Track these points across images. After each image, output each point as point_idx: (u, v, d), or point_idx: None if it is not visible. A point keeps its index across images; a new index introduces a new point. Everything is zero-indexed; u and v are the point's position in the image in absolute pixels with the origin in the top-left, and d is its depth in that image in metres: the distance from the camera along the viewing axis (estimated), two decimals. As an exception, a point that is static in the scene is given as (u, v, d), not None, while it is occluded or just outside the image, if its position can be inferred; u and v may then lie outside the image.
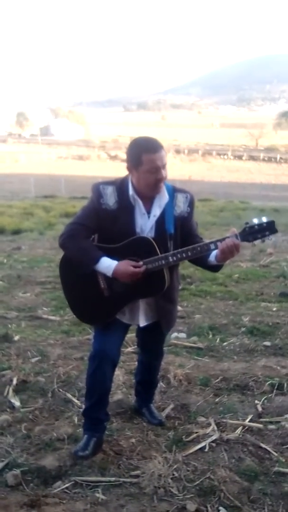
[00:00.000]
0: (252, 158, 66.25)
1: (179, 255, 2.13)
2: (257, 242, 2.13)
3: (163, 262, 2.13)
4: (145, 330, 2.45)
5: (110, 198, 2.19)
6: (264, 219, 2.10)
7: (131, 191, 2.18)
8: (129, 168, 2.18)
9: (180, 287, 2.50)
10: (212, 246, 2.12)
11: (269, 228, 2.10)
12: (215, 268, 2.27)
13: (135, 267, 2.13)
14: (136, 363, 3.25)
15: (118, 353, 2.39)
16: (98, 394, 2.36)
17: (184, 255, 2.13)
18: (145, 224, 2.21)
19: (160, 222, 2.21)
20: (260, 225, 2.09)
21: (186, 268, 6.27)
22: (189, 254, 2.13)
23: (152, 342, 2.57)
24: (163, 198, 2.21)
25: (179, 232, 2.23)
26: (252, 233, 2.10)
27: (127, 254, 2.16)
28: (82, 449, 2.34)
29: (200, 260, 2.24)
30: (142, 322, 2.36)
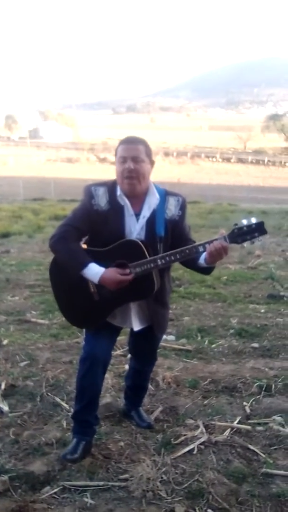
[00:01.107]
0: (241, 160, 66.68)
1: (167, 258, 2.12)
2: (246, 243, 2.10)
3: (152, 265, 2.12)
4: (137, 335, 2.43)
5: (102, 199, 2.19)
6: (254, 220, 2.07)
7: (119, 192, 2.19)
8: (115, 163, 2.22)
9: (171, 289, 2.48)
10: (201, 249, 2.11)
11: (258, 229, 2.07)
12: (206, 270, 2.26)
13: (122, 274, 2.11)
14: (126, 366, 3.26)
15: (109, 356, 2.38)
16: (88, 397, 2.34)
17: (172, 258, 2.12)
18: (134, 225, 2.20)
19: (151, 224, 2.20)
20: (249, 226, 2.07)
21: (175, 271, 6.29)
22: (178, 256, 2.12)
23: (145, 348, 2.54)
24: (153, 199, 2.21)
25: (170, 235, 2.22)
26: (240, 235, 2.08)
27: (116, 257, 2.14)
28: (71, 453, 2.32)
29: (191, 263, 2.23)
30: (136, 326, 2.33)
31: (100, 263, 2.15)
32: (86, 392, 2.33)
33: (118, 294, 2.18)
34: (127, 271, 2.12)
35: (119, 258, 2.14)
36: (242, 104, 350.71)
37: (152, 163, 2.23)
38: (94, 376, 2.30)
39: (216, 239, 2.08)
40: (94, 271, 2.13)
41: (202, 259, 2.18)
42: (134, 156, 2.12)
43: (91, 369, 2.28)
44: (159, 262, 2.12)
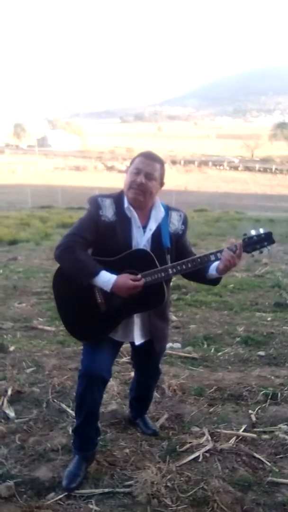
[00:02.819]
0: (248, 169, 66.71)
1: (179, 267, 2.13)
2: (255, 253, 2.17)
3: (163, 274, 2.12)
4: (139, 350, 2.40)
5: (109, 210, 2.19)
6: (262, 230, 2.14)
7: (126, 204, 2.20)
8: (126, 171, 2.25)
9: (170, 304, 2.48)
10: (213, 257, 2.14)
11: (267, 239, 2.15)
12: (214, 281, 2.27)
13: (134, 280, 2.10)
14: (131, 373, 3.26)
15: (108, 372, 2.29)
16: (86, 413, 2.28)
17: (184, 266, 2.13)
18: (141, 237, 2.21)
19: (157, 237, 2.21)
20: (258, 236, 2.14)
21: (182, 278, 6.29)
22: (189, 265, 2.13)
23: (148, 363, 2.53)
24: (159, 213, 2.24)
25: (174, 248, 2.25)
26: (250, 244, 2.14)
27: (124, 267, 2.13)
28: (74, 478, 2.24)
29: (199, 274, 2.24)
30: (138, 340, 2.31)
31: (111, 273, 2.12)
32: (84, 408, 2.27)
33: (126, 304, 2.16)
34: (139, 276, 2.11)
35: (128, 267, 2.13)
36: (250, 113, 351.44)
37: (162, 184, 2.25)
38: (92, 393, 2.24)
39: (227, 248, 2.13)
40: (106, 278, 2.09)
41: (212, 270, 2.20)
42: (148, 172, 2.15)
43: (90, 386, 2.22)
44: (171, 271, 2.13)
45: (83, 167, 63.79)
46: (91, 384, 2.21)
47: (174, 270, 2.13)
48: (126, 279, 2.09)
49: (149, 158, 2.18)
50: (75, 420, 2.59)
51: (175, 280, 2.68)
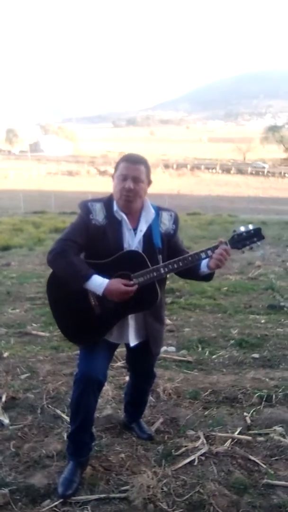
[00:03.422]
0: (240, 172, 67.04)
1: (170, 266, 2.14)
2: (246, 249, 2.20)
3: (155, 274, 2.14)
4: (134, 352, 2.41)
5: (99, 214, 2.21)
6: (251, 226, 2.18)
7: (115, 207, 2.22)
8: (113, 177, 2.26)
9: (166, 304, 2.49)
10: (203, 255, 2.16)
11: (257, 235, 2.18)
12: (207, 277, 2.30)
13: (126, 285, 2.10)
14: (126, 378, 3.26)
15: (104, 376, 2.30)
16: (82, 417, 2.28)
17: (175, 265, 2.15)
18: (132, 239, 2.22)
19: (148, 237, 2.23)
20: (247, 232, 2.17)
21: (176, 282, 6.31)
22: (181, 264, 2.15)
23: (143, 365, 2.54)
24: (149, 214, 2.25)
25: (166, 248, 2.26)
26: (240, 240, 2.17)
27: (117, 268, 2.14)
28: (70, 484, 2.23)
29: (191, 271, 2.25)
30: (133, 341, 2.31)
31: (100, 276, 2.13)
32: (80, 413, 2.27)
33: (121, 306, 2.17)
34: (131, 282, 2.12)
35: (120, 269, 2.14)
36: (241, 116, 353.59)
37: (149, 182, 2.27)
38: (88, 397, 2.24)
39: (218, 245, 2.15)
40: (98, 282, 2.10)
41: (204, 267, 2.22)
42: (135, 176, 2.16)
43: (85, 390, 2.22)
44: (163, 271, 2.14)
45: (75, 172, 63.74)
46: (87, 389, 2.22)
47: (166, 270, 2.15)
48: (118, 283, 2.09)
49: (133, 161, 2.19)
50: (70, 426, 2.59)
51: (169, 284, 2.69)
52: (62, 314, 2.30)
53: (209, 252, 2.15)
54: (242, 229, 2.17)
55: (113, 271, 2.14)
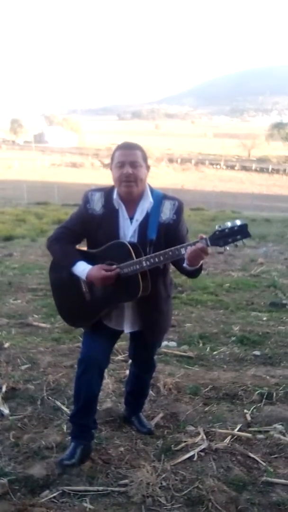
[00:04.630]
0: (244, 168, 66.77)
1: (151, 260, 2.13)
2: (229, 246, 2.02)
3: (138, 266, 2.14)
4: (135, 339, 2.50)
5: (97, 204, 2.27)
6: (238, 222, 2.00)
7: (115, 196, 2.25)
8: (110, 169, 2.27)
9: (169, 297, 2.46)
10: (183, 251, 2.09)
11: (241, 232, 1.99)
12: (192, 273, 2.21)
13: (107, 271, 2.18)
14: (126, 371, 3.26)
15: (105, 359, 2.40)
16: (84, 398, 2.35)
17: (156, 259, 2.12)
18: (128, 228, 2.25)
19: (143, 227, 2.23)
20: (231, 228, 1.99)
21: (178, 277, 6.28)
22: (161, 258, 2.12)
23: (142, 353, 2.57)
24: (146, 202, 2.25)
25: (163, 239, 2.22)
26: (222, 237, 2.01)
27: (106, 258, 2.23)
28: (68, 458, 2.33)
29: (178, 266, 2.24)
30: (127, 329, 2.38)
31: (92, 264, 2.24)
32: (81, 393, 2.35)
33: (107, 294, 2.26)
34: (113, 267, 2.18)
35: (108, 259, 2.22)
36: (247, 112, 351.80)
37: (148, 167, 2.27)
38: (89, 378, 2.32)
39: (197, 241, 2.05)
40: (81, 268, 2.24)
41: (184, 262, 2.16)
42: (132, 161, 2.18)
43: (87, 371, 2.32)
44: (144, 264, 2.14)
45: (79, 163, 63.62)
46: (88, 369, 2.31)
47: (148, 263, 2.13)
48: (98, 269, 2.19)
49: (128, 148, 2.22)
50: (70, 414, 2.58)
51: (171, 277, 2.66)
52: (60, 297, 2.48)
53: (188, 248, 2.06)
54: (228, 224, 2.00)
55: (102, 260, 2.23)
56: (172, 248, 2.12)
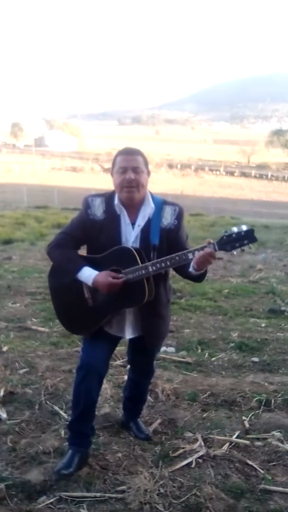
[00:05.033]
0: (244, 174, 66.95)
1: (158, 265, 2.13)
2: (236, 251, 2.06)
3: (143, 272, 2.14)
4: (134, 345, 2.47)
5: (98, 209, 2.26)
6: (244, 228, 2.05)
7: (116, 201, 2.24)
8: (111, 174, 2.26)
9: (169, 302, 2.47)
10: (190, 256, 2.11)
11: (248, 237, 2.03)
12: (197, 278, 2.24)
13: (114, 278, 2.16)
14: (125, 377, 3.25)
15: (105, 366, 2.39)
16: (83, 406, 2.33)
17: (163, 264, 2.13)
18: (130, 234, 2.24)
19: (145, 233, 2.23)
20: (238, 233, 2.04)
21: (177, 282, 6.29)
22: (168, 263, 2.13)
23: (141, 359, 2.55)
24: (148, 208, 2.25)
25: (165, 244, 2.24)
26: (229, 242, 2.05)
27: (110, 264, 2.20)
28: (66, 467, 2.30)
29: (182, 271, 2.24)
30: (128, 334, 2.37)
31: (95, 269, 2.21)
32: (81, 401, 2.33)
33: (110, 300, 2.22)
34: (120, 275, 2.17)
35: (113, 264, 2.20)
36: (247, 119, 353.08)
37: (148, 173, 2.28)
38: (88, 385, 2.31)
39: (205, 246, 2.07)
40: (88, 273, 2.20)
41: (191, 267, 2.18)
42: (134, 166, 2.17)
43: (86, 378, 2.30)
44: (150, 269, 2.14)
45: (79, 168, 63.75)
46: (87, 376, 2.29)
47: (154, 268, 2.13)
48: (106, 276, 2.16)
49: (130, 153, 2.21)
50: (69, 419, 2.58)
51: (170, 284, 2.65)
52: (60, 303, 2.43)
53: (196, 253, 2.09)
54: (235, 230, 2.05)
55: (106, 266, 2.21)
56: (179, 253, 2.13)
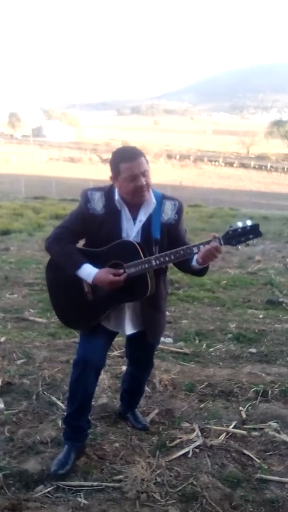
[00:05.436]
0: (243, 165, 66.75)
1: (162, 259, 2.12)
2: (241, 245, 2.09)
3: (146, 266, 2.12)
4: (133, 340, 2.44)
5: (98, 203, 2.21)
6: (249, 222, 2.08)
7: (117, 196, 2.20)
8: (111, 178, 2.20)
9: (167, 295, 2.47)
10: (195, 250, 2.11)
11: (253, 231, 2.07)
12: (199, 272, 2.25)
13: (115, 275, 2.12)
14: (123, 367, 3.26)
15: (102, 361, 2.36)
16: (80, 401, 2.31)
17: (167, 258, 2.12)
18: (131, 229, 2.22)
19: (146, 228, 2.21)
20: (243, 228, 2.07)
21: (175, 274, 6.29)
22: (172, 257, 2.12)
23: (141, 354, 2.54)
24: (150, 204, 2.22)
25: (166, 238, 2.23)
26: (235, 236, 2.08)
27: (111, 257, 2.17)
28: (63, 465, 2.27)
29: (184, 265, 2.23)
30: (129, 330, 2.33)
31: (96, 264, 2.18)
32: (77, 396, 2.31)
33: (111, 295, 2.20)
34: (121, 271, 2.13)
35: (114, 258, 2.17)
36: (247, 109, 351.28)
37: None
38: (86, 381, 2.28)
39: (210, 240, 2.08)
40: (88, 270, 2.17)
41: (194, 261, 2.17)
42: (143, 171, 2.13)
43: (83, 374, 2.27)
44: (154, 263, 2.12)
45: (78, 158, 63.42)
46: (85, 372, 2.26)
47: (157, 262, 2.12)
48: (107, 274, 2.13)
49: (134, 158, 2.11)
50: (65, 411, 2.58)
51: (168, 275, 2.64)
52: (58, 297, 2.39)
53: (201, 247, 2.09)
54: (240, 224, 2.07)
55: (107, 260, 2.17)
56: (184, 247, 2.13)
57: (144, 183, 2.13)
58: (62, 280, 2.29)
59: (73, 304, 2.31)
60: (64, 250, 2.22)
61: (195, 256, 2.15)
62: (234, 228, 2.08)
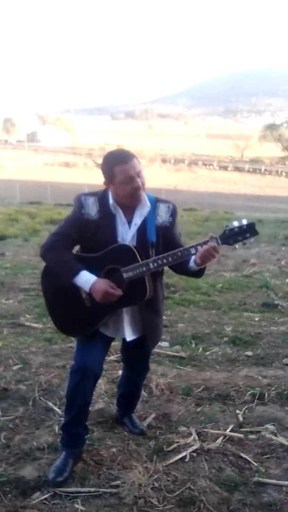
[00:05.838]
0: (237, 169, 66.96)
1: (159, 261, 2.12)
2: (238, 244, 2.13)
3: (144, 269, 2.12)
4: (130, 345, 2.41)
5: (92, 208, 2.20)
6: (245, 222, 2.11)
7: (111, 201, 2.20)
8: (105, 183, 2.19)
9: (164, 298, 2.47)
10: (193, 251, 2.12)
11: (249, 230, 2.11)
12: (197, 273, 2.26)
13: (113, 288, 2.10)
14: (119, 372, 3.25)
15: (100, 367, 2.34)
16: (78, 408, 2.30)
17: (165, 260, 2.12)
18: (126, 233, 2.21)
19: (142, 231, 2.21)
20: (240, 227, 2.10)
21: (170, 277, 6.30)
22: (170, 259, 2.12)
23: (137, 358, 2.53)
24: (145, 207, 2.22)
25: (161, 241, 2.23)
26: (232, 236, 2.11)
27: (107, 262, 2.15)
28: (60, 473, 2.25)
29: (181, 267, 2.23)
30: (129, 336, 2.31)
31: (92, 269, 2.15)
32: (76, 403, 2.29)
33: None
34: (119, 291, 2.11)
35: (111, 262, 2.15)
36: (240, 113, 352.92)
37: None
38: (85, 388, 2.27)
39: (208, 241, 2.09)
40: (85, 278, 2.14)
41: (191, 262, 2.18)
42: (138, 172, 2.13)
43: (82, 382, 2.25)
44: (151, 266, 2.12)
45: (72, 163, 63.42)
46: (83, 380, 2.24)
47: (155, 264, 2.12)
48: (106, 284, 2.11)
49: (127, 161, 2.11)
50: (62, 418, 2.58)
51: (164, 279, 2.64)
52: (54, 305, 2.35)
53: (199, 248, 2.10)
54: (236, 224, 2.11)
55: (104, 264, 2.16)
56: (181, 248, 2.14)
57: (140, 184, 2.14)
58: (58, 287, 2.25)
59: (71, 311, 2.27)
60: (60, 258, 2.19)
61: (193, 258, 2.16)
62: (230, 228, 2.11)
